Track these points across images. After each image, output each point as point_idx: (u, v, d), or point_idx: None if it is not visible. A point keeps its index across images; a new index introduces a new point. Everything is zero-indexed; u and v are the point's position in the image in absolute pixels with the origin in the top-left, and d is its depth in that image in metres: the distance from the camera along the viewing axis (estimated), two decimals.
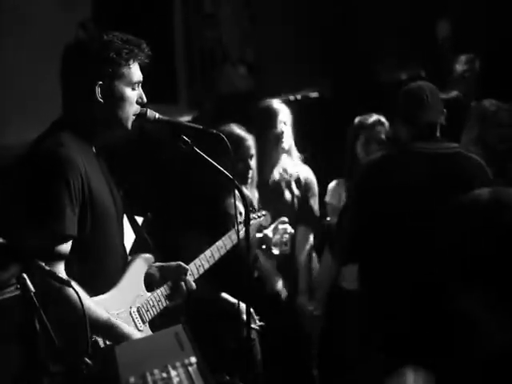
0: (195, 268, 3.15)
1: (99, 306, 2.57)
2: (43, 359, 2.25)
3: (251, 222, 3.64)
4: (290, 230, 4.09)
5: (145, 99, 2.74)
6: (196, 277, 3.12)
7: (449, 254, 1.81)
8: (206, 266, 3.24)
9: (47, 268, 2.29)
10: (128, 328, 2.65)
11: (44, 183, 2.52)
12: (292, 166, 4.47)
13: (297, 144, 4.52)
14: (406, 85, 3.67)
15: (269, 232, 4.03)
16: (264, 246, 4.08)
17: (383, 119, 4.60)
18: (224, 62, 7.66)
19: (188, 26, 6.76)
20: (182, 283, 2.93)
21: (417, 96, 3.52)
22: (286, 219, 4.09)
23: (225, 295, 3.82)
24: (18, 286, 2.11)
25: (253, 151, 3.92)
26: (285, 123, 4.40)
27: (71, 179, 2.52)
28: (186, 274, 2.94)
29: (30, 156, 2.63)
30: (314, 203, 4.54)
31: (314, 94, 6.45)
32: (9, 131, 4.02)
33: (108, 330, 2.57)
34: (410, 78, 6.89)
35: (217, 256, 3.34)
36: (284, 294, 4.30)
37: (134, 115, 2.73)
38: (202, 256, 3.25)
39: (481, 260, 1.75)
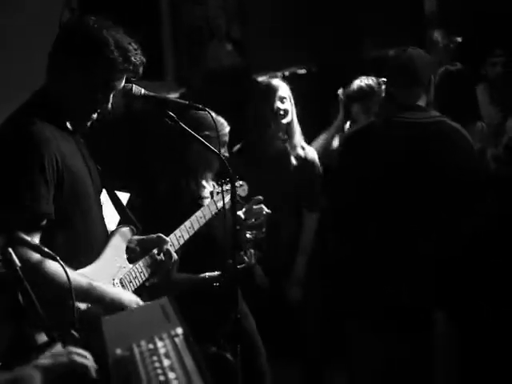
0: (175, 239, 3.17)
1: (83, 277, 2.58)
2: (30, 333, 2.25)
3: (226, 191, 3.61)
4: (265, 210, 3.72)
5: (109, 106, 2.72)
6: (177, 248, 3.14)
7: None
8: (186, 236, 3.25)
9: (32, 242, 2.29)
10: (115, 290, 2.67)
11: (17, 161, 2.51)
12: (296, 145, 4.40)
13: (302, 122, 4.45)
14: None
15: (240, 213, 3.71)
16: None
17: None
18: (211, 39, 7.62)
19: (175, 2, 6.72)
20: (163, 254, 2.95)
21: (404, 69, 3.55)
22: (261, 198, 3.73)
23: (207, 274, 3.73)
24: (3, 261, 2.10)
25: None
26: (283, 100, 4.38)
27: (45, 155, 2.50)
28: (166, 245, 2.96)
29: (2, 134, 2.61)
30: (318, 187, 4.43)
31: (302, 71, 6.43)
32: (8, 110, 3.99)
33: (96, 297, 2.58)
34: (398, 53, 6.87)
35: (196, 226, 3.33)
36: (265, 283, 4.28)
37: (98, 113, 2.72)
38: (181, 227, 3.25)
39: None
